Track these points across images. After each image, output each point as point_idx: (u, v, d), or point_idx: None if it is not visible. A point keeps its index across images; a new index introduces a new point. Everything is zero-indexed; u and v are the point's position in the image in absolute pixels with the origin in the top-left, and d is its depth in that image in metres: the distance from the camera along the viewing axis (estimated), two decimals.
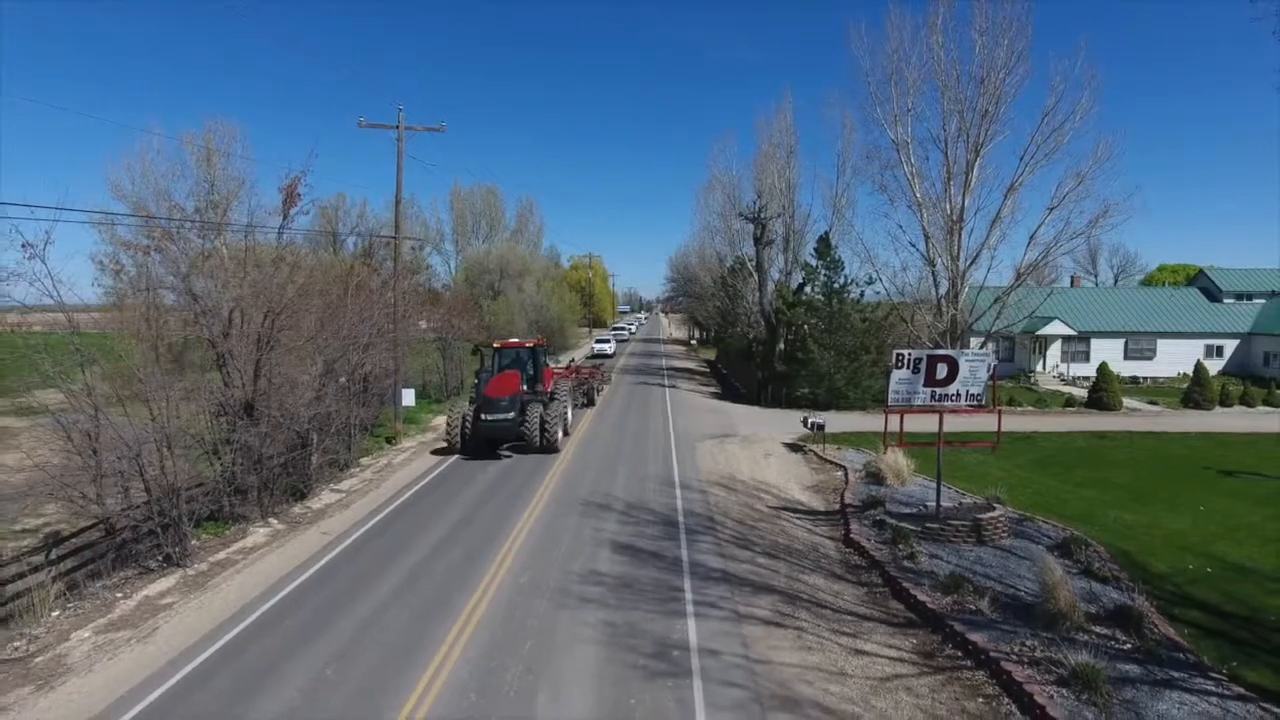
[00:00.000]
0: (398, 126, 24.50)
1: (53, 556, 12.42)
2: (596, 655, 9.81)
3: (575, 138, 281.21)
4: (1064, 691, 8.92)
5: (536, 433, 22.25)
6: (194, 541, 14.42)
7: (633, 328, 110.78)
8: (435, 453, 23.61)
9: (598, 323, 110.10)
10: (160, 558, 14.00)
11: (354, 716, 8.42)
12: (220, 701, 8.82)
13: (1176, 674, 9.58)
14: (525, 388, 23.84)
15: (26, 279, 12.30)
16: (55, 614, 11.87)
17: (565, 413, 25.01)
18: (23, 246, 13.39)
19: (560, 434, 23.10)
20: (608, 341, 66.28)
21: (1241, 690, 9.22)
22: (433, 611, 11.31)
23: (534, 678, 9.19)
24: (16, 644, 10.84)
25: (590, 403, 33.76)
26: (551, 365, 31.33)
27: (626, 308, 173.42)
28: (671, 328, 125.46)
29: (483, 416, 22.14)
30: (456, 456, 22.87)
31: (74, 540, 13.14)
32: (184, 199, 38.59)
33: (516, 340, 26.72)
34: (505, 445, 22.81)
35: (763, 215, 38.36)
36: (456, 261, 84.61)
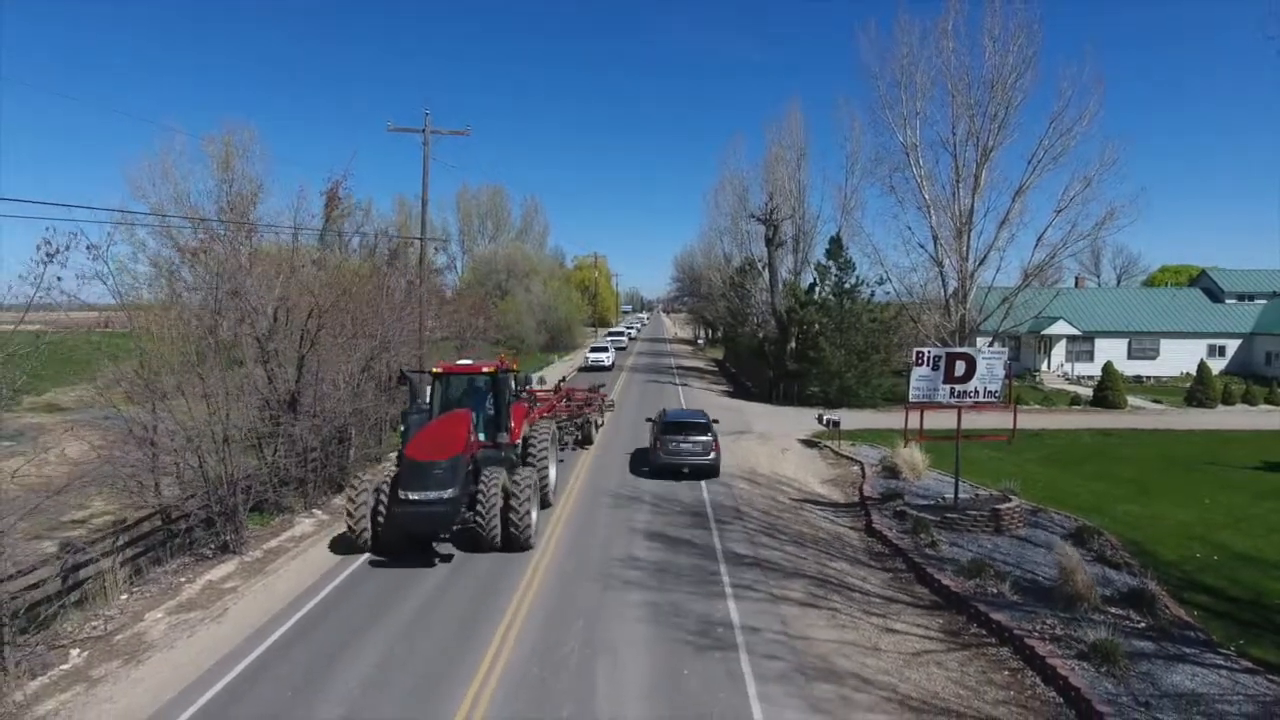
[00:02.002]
0: (424, 130, 25.17)
1: (119, 543, 13.10)
2: (646, 631, 10.50)
3: (577, 137, 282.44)
4: (1084, 664, 9.60)
5: (495, 521, 13.48)
6: (246, 530, 15.09)
7: (633, 331, 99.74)
8: None
9: (602, 322, 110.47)
10: (215, 545, 14.67)
11: (430, 687, 9.10)
12: (303, 672, 9.50)
13: (1188, 650, 10.26)
14: (481, 437, 15.32)
15: (99, 280, 12.91)
16: (124, 597, 12.54)
17: (545, 479, 16.40)
18: (88, 248, 14.05)
19: (534, 516, 14.25)
20: (604, 350, 53.40)
21: (1249, 664, 9.91)
22: (487, 592, 12.01)
23: (591, 651, 9.88)
24: (94, 624, 11.51)
25: (586, 440, 24.11)
26: (534, 387, 22.34)
27: (629, 307, 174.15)
28: (675, 327, 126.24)
29: (401, 494, 13.06)
30: None
31: (136, 528, 13.81)
32: (205, 200, 39.36)
33: (468, 363, 17.17)
34: (444, 536, 13.87)
35: (774, 217, 39.06)
36: (463, 262, 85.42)
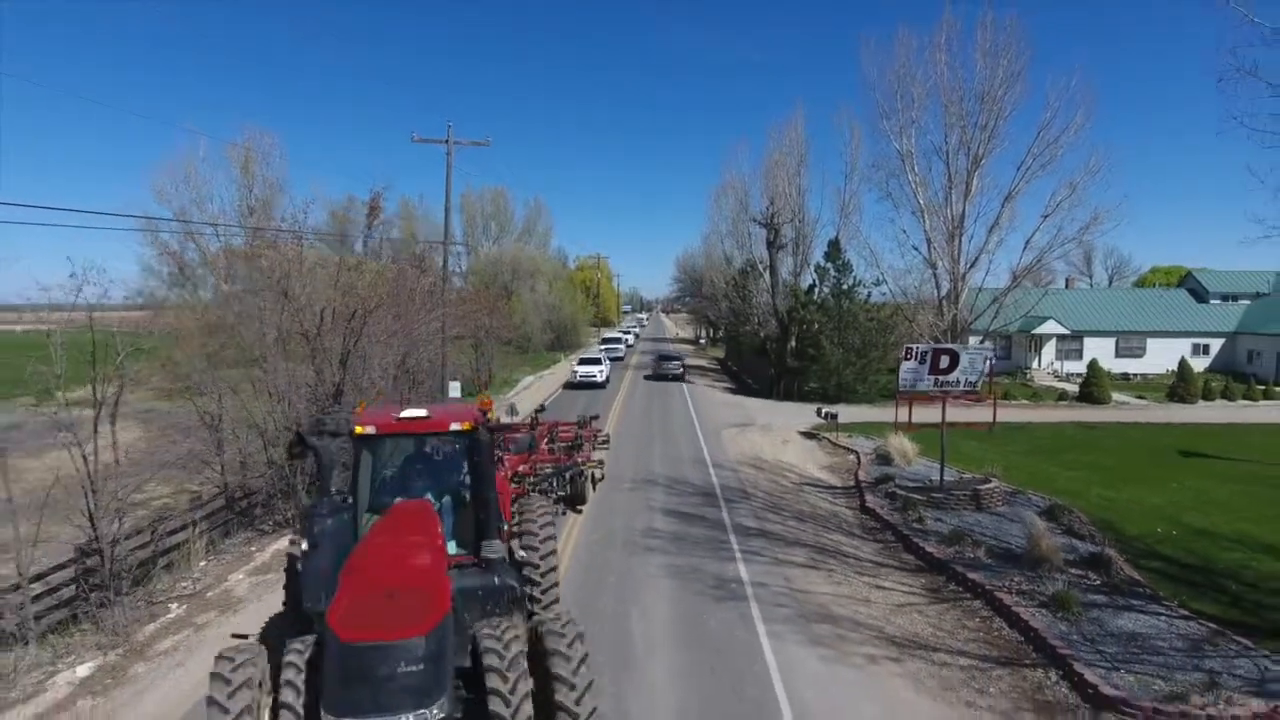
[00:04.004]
0: (447, 141, 26.83)
1: (197, 517, 14.78)
2: (670, 586, 12.17)
3: (578, 137, 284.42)
4: (1044, 611, 11.27)
5: None
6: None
7: (630, 337, 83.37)
8: None
9: (604, 322, 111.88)
10: (272, 522, 16.37)
11: None
12: None
13: (1135, 601, 11.92)
14: (452, 549, 8.00)
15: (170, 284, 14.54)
16: (203, 563, 14.22)
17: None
18: (162, 253, 15.74)
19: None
20: (596, 363, 41.86)
21: (1186, 613, 11.55)
22: None
23: (624, 603, 11.55)
24: (183, 584, 13.20)
25: (577, 500, 16.71)
26: (505, 420, 15.21)
27: (629, 308, 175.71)
28: (676, 328, 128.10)
29: None
30: None
31: (209, 505, 15.50)
32: (229, 205, 41.06)
33: (420, 414, 8.44)
34: None
35: (775, 220, 40.74)
36: (467, 262, 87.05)
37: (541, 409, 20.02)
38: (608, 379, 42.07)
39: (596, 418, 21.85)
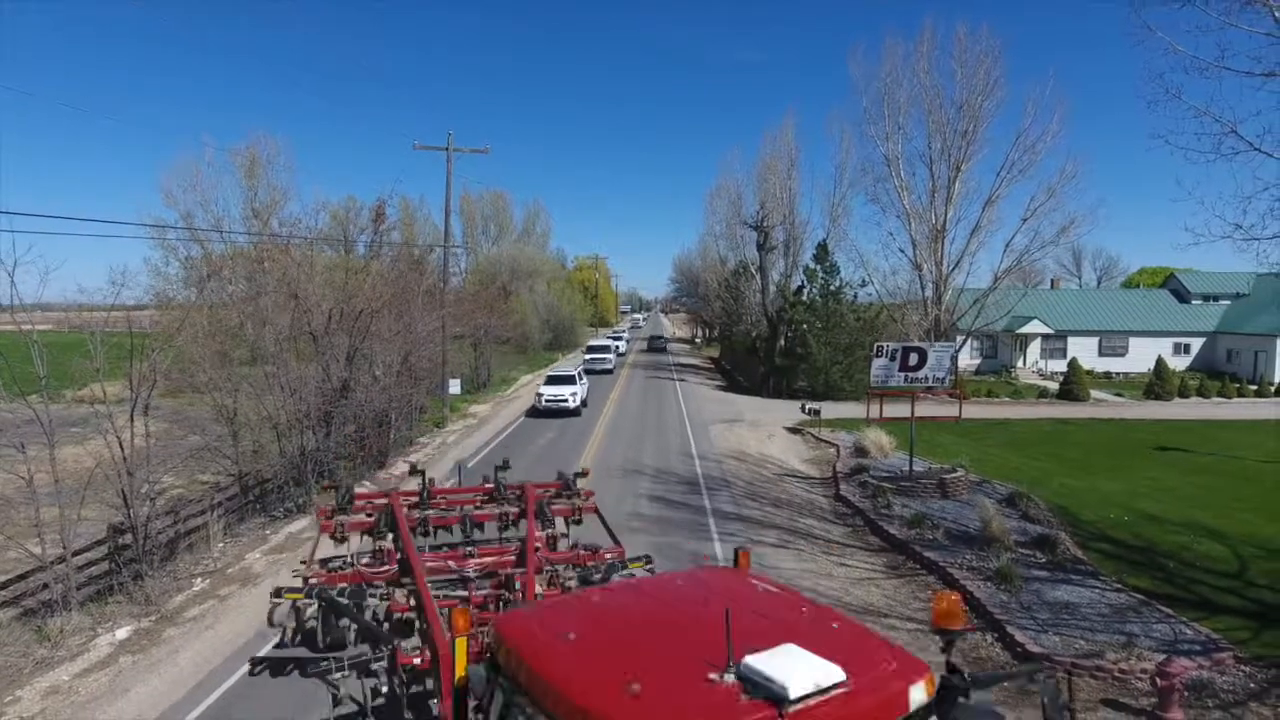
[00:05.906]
0: (447, 149, 28.00)
1: (215, 502, 15.93)
2: None
3: (576, 138, 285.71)
4: (989, 584, 12.44)
5: None
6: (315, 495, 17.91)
7: (621, 343, 71.78)
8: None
9: (603, 322, 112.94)
10: (283, 509, 17.52)
11: None
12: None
13: (1075, 576, 13.09)
14: None
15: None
16: (220, 545, 15.37)
17: None
18: (175, 257, 16.89)
19: None
20: (569, 382, 31.49)
21: (1119, 586, 12.72)
22: None
23: None
24: (205, 563, 14.35)
25: None
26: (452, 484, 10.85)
27: (627, 307, 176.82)
28: (674, 328, 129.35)
29: None
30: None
31: (226, 491, 16.66)
32: (234, 207, 42.25)
33: (830, 681, 3.02)
34: None
35: (766, 224, 41.96)
36: (467, 263, 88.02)
37: (505, 466, 10.39)
38: (584, 401, 32.05)
39: (584, 474, 11.89)
